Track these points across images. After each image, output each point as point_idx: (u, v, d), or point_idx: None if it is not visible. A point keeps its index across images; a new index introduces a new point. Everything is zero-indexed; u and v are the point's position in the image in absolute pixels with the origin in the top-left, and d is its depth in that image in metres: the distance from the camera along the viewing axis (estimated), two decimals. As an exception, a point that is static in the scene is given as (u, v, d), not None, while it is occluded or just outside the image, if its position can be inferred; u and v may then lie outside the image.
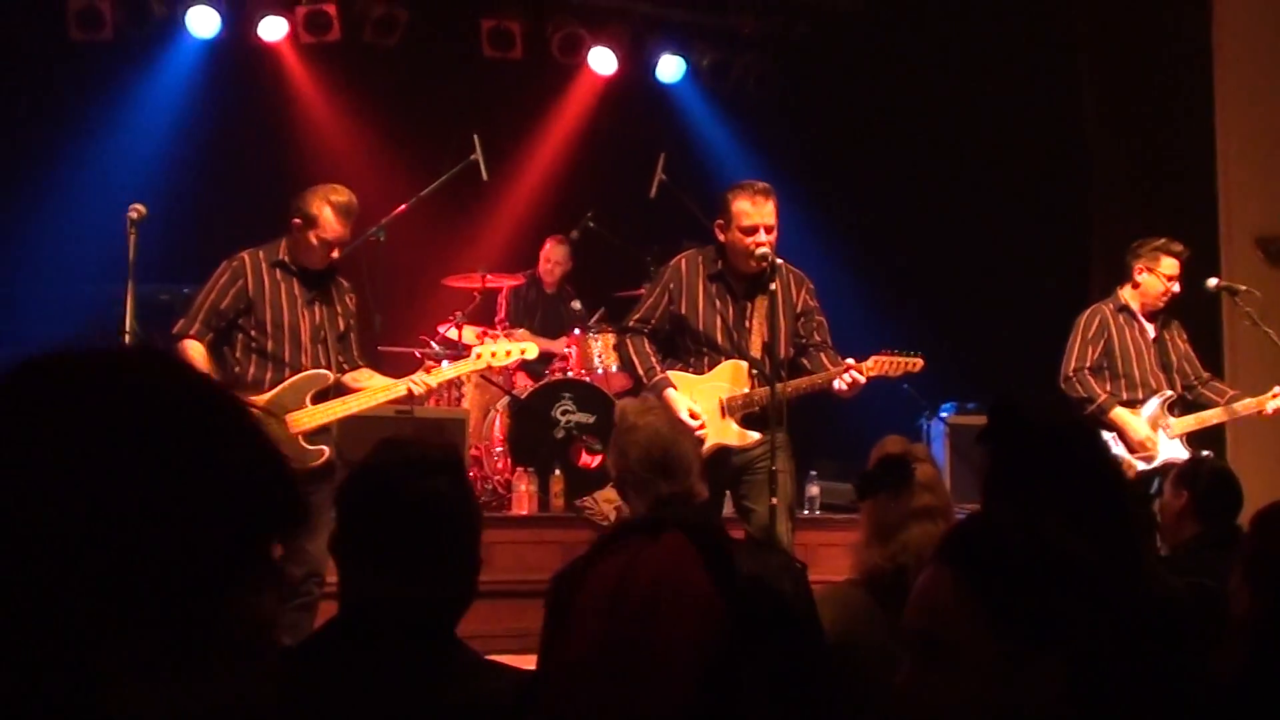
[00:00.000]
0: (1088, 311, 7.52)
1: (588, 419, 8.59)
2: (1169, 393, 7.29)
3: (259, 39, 10.25)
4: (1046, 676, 1.71)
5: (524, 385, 9.03)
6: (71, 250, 9.66)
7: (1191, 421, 7.27)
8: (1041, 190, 10.86)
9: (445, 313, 9.21)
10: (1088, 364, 7.35)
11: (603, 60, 10.99)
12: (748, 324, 6.29)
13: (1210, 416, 7.33)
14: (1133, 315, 7.42)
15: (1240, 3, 9.48)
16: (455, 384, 8.98)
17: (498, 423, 8.92)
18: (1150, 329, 7.42)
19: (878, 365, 6.43)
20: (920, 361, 6.53)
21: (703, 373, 6.32)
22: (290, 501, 1.15)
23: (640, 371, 6.33)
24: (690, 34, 11.29)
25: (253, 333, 5.97)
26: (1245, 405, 7.27)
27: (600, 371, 8.91)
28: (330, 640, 2.29)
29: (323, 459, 5.95)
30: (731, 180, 6.97)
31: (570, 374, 8.96)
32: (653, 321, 6.40)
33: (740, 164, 10.57)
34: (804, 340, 6.44)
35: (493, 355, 6.40)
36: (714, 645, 1.70)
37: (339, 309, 6.18)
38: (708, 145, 11.29)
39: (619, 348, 6.58)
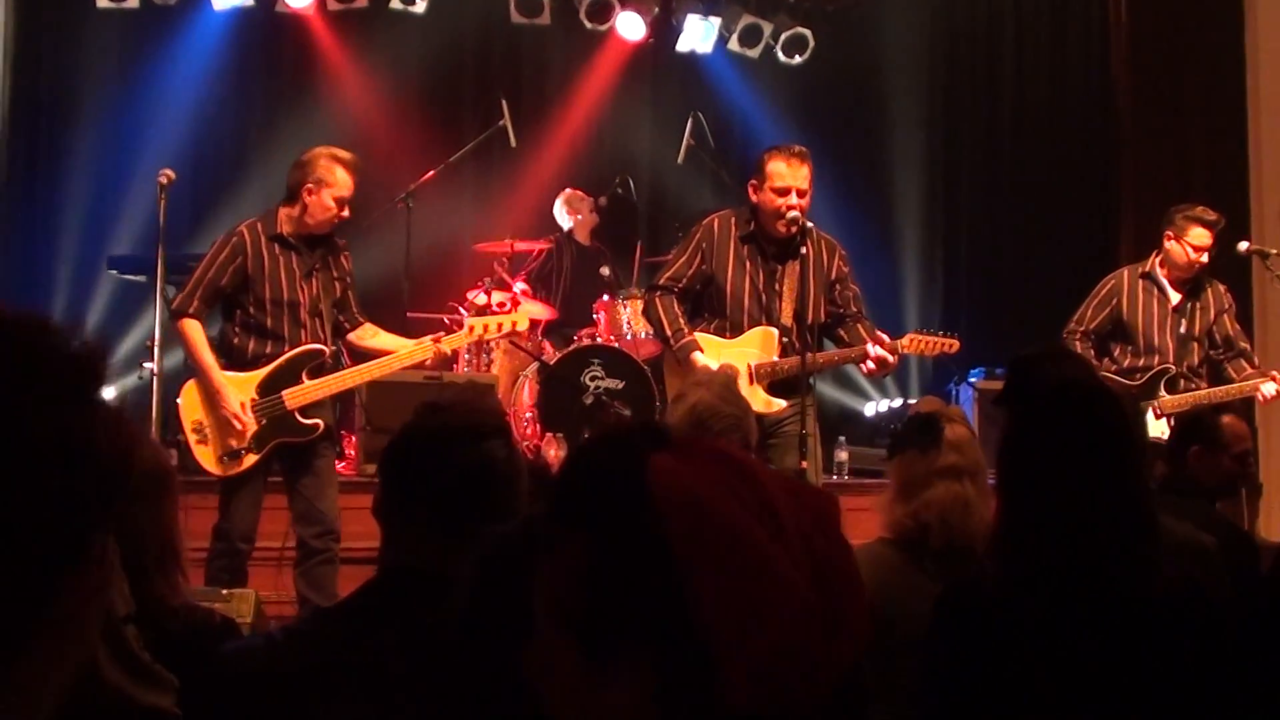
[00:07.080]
0: (1110, 275, 7.49)
1: (617, 384, 8.57)
2: (1170, 367, 7.18)
3: (286, 6, 10.24)
4: None
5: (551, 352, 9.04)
6: (102, 215, 9.73)
7: (1181, 401, 7.08)
8: (1072, 156, 10.83)
9: (475, 278, 9.21)
10: (1085, 326, 7.33)
11: (631, 25, 10.93)
12: (778, 288, 6.23)
13: (1202, 396, 7.08)
14: (1155, 281, 7.31)
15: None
16: (484, 350, 8.99)
17: (526, 388, 8.93)
18: (1175, 297, 7.29)
19: (913, 344, 6.36)
20: (956, 343, 6.42)
21: (730, 337, 6.26)
22: (105, 491, 1.11)
23: (667, 332, 6.24)
24: (719, -2, 11.22)
25: (251, 309, 6.07)
26: (1240, 388, 7.09)
27: (629, 337, 8.90)
28: (370, 602, 2.26)
29: (318, 431, 6.11)
30: (760, 145, 6.95)
31: (599, 339, 8.95)
32: (684, 281, 6.32)
33: (769, 129, 10.54)
34: (841, 310, 6.36)
35: (484, 329, 6.53)
36: None
37: (335, 273, 6.28)
38: (737, 111, 11.22)
39: (647, 307, 6.46)
